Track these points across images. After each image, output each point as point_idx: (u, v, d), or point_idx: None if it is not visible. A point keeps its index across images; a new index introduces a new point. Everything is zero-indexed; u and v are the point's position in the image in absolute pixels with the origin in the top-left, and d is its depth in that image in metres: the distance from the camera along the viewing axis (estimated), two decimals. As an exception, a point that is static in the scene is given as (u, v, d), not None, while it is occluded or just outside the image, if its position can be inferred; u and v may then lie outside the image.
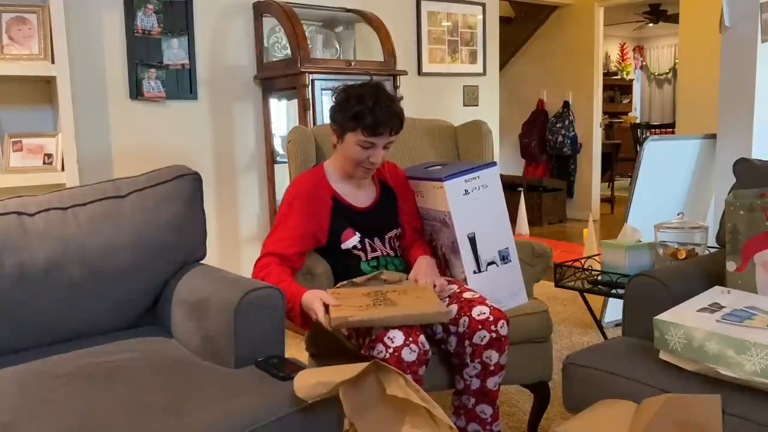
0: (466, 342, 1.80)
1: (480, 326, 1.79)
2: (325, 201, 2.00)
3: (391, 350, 1.64)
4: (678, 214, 2.46)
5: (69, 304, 1.77)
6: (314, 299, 1.76)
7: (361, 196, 2.07)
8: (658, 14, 9.58)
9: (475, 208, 2.00)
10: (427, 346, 1.72)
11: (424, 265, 1.98)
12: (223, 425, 1.31)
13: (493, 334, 1.79)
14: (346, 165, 1.99)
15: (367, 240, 2.03)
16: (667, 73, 11.80)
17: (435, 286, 1.88)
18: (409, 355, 1.65)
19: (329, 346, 1.91)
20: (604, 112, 8.67)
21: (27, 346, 1.73)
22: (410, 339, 1.66)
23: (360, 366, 1.36)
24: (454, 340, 1.83)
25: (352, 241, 2.01)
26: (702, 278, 1.88)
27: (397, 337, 1.65)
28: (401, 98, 2.09)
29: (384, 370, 1.37)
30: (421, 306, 1.72)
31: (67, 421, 1.30)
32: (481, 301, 1.84)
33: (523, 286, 2.08)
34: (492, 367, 1.82)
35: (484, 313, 1.80)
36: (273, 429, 1.36)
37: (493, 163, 2.06)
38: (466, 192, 1.99)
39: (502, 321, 1.81)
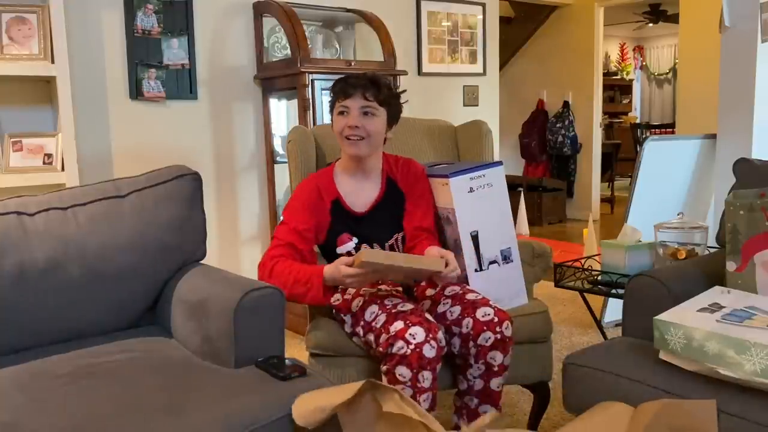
0: (471, 343, 1.80)
1: (485, 327, 1.79)
2: (325, 202, 2.00)
3: (412, 346, 1.65)
4: (678, 214, 2.46)
5: (69, 304, 1.77)
6: (335, 265, 1.79)
7: (363, 195, 2.03)
8: (658, 14, 9.59)
9: (479, 207, 2.00)
10: (443, 343, 1.73)
11: (435, 251, 1.89)
12: (223, 425, 1.31)
13: (498, 335, 1.79)
14: (341, 147, 1.99)
15: (364, 246, 2.01)
16: (667, 73, 11.80)
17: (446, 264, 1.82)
18: (429, 351, 1.66)
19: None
20: (604, 112, 8.67)
21: (27, 346, 1.73)
22: (430, 335, 1.67)
23: (355, 386, 1.35)
24: (458, 342, 1.83)
25: (346, 246, 2.00)
26: (702, 278, 1.88)
27: (418, 333, 1.66)
28: (404, 91, 2.06)
29: (379, 388, 1.37)
30: (424, 259, 1.80)
31: (66, 420, 1.30)
32: (485, 302, 1.84)
33: (524, 287, 2.08)
34: (496, 368, 1.82)
35: (489, 315, 1.80)
36: (273, 429, 1.36)
37: (499, 163, 2.06)
38: (471, 190, 1.99)
39: (506, 322, 1.81)
